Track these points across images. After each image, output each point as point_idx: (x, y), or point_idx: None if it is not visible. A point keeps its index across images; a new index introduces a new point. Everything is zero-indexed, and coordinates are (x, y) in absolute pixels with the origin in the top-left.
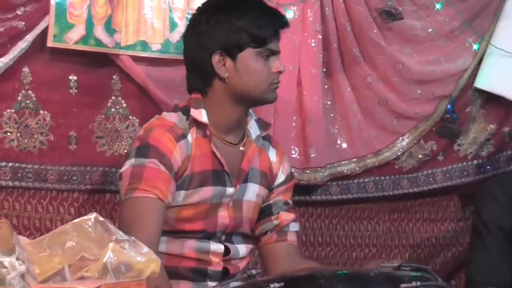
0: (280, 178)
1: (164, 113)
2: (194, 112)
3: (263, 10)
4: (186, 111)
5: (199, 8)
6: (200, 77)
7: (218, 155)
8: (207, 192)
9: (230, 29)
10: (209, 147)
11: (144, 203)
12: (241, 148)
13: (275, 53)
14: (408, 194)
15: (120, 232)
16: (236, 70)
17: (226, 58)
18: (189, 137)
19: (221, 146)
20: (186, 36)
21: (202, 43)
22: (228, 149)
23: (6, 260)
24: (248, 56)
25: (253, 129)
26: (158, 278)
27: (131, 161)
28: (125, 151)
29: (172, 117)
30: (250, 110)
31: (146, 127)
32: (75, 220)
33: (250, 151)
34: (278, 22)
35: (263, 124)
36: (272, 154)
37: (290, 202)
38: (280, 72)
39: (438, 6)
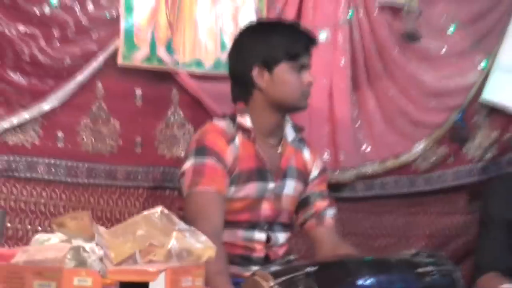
0: (314, 173)
1: (215, 120)
2: (240, 119)
3: (296, 29)
4: (233, 118)
5: (241, 29)
6: (242, 89)
7: (261, 155)
8: (252, 187)
9: (268, 46)
10: (253, 149)
11: (206, 196)
12: (280, 149)
13: (307, 67)
14: (423, 192)
15: (182, 223)
16: (273, 81)
17: (264, 71)
18: (236, 140)
19: (263, 147)
20: (230, 53)
21: (244, 59)
22: (269, 150)
23: (88, 246)
24: (283, 69)
25: (290, 133)
26: (216, 263)
27: (192, 160)
28: (182, 154)
29: (221, 123)
30: (287, 117)
31: (201, 132)
32: (144, 213)
33: (287, 151)
34: (309, 40)
35: (298, 128)
36: (306, 154)
37: (325, 192)
38: (310, 83)
39: (451, 28)
